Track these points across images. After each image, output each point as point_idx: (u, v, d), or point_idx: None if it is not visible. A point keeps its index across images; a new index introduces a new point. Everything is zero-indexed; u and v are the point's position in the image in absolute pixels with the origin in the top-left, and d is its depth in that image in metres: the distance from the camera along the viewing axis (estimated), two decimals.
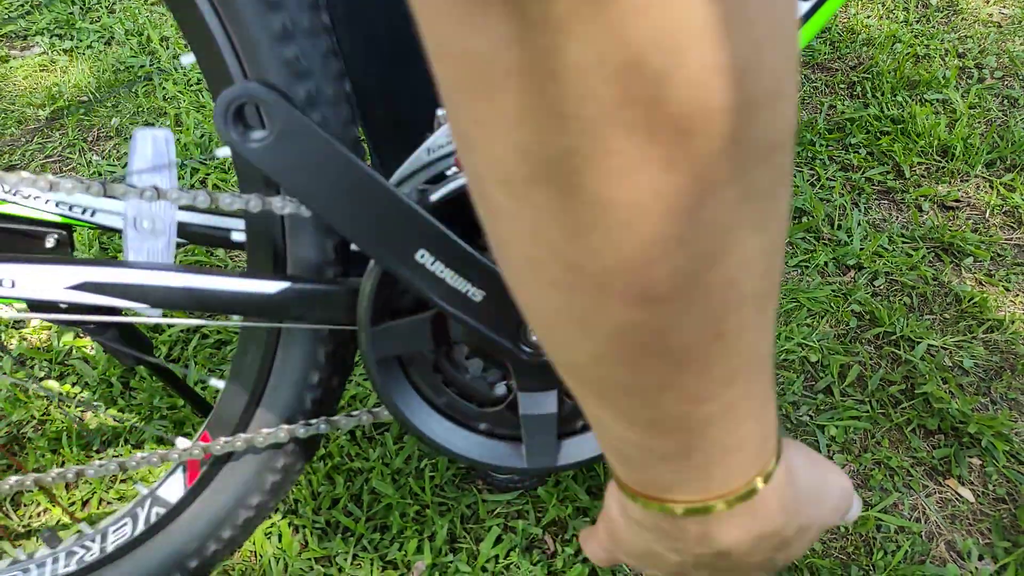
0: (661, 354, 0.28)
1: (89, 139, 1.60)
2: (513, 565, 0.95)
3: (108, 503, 1.02)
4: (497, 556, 0.96)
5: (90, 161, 1.53)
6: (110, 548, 0.71)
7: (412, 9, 0.23)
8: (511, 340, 0.57)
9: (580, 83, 0.21)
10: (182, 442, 0.68)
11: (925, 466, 1.06)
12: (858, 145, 1.56)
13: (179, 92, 1.68)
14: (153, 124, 1.61)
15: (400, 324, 0.59)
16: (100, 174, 1.50)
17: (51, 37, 1.85)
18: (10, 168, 1.53)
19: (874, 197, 1.46)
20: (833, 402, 1.13)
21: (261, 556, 0.96)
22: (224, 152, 0.58)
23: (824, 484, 0.40)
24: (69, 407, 1.12)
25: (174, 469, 0.70)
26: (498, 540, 0.97)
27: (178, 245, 0.67)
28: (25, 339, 1.21)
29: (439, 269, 0.54)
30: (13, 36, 1.87)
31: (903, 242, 1.37)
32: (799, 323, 1.23)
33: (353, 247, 0.61)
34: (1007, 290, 1.29)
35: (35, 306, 0.62)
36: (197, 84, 1.71)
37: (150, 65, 1.76)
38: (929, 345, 1.20)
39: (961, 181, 1.48)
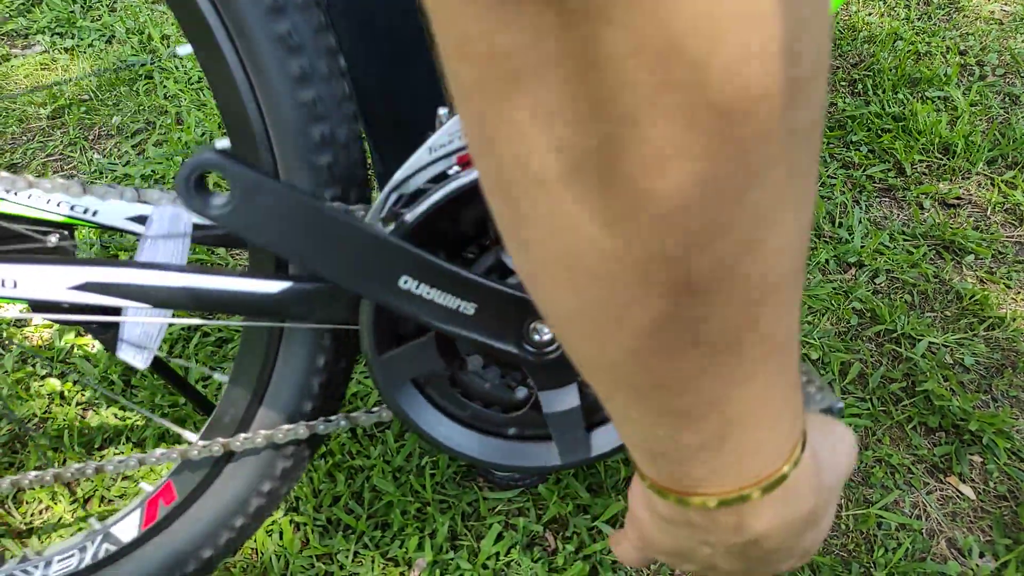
0: (697, 344, 0.27)
1: (90, 137, 1.60)
2: (514, 562, 0.95)
3: (110, 500, 1.02)
4: (498, 553, 0.96)
5: (91, 159, 1.53)
6: None
7: (425, 7, 0.23)
8: (515, 344, 0.57)
9: (620, 71, 0.21)
10: (146, 486, 0.69)
11: (926, 463, 1.07)
12: (859, 143, 1.55)
13: (180, 90, 1.68)
14: (154, 123, 1.61)
15: (406, 349, 0.60)
16: (101, 172, 1.51)
17: (52, 35, 1.85)
18: (11, 167, 1.53)
19: (875, 195, 1.46)
20: None
21: (262, 553, 0.96)
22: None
23: (835, 446, 0.40)
24: (70, 405, 1.12)
25: (133, 508, 0.70)
26: (499, 537, 0.98)
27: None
28: (27, 337, 1.21)
29: (425, 291, 0.54)
30: (14, 34, 1.87)
31: (904, 240, 1.37)
32: (800, 321, 1.23)
33: None
34: (1008, 288, 1.29)
35: (37, 306, 0.62)
36: (198, 82, 1.71)
37: (151, 63, 1.76)
38: (930, 343, 1.20)
39: (962, 179, 1.48)
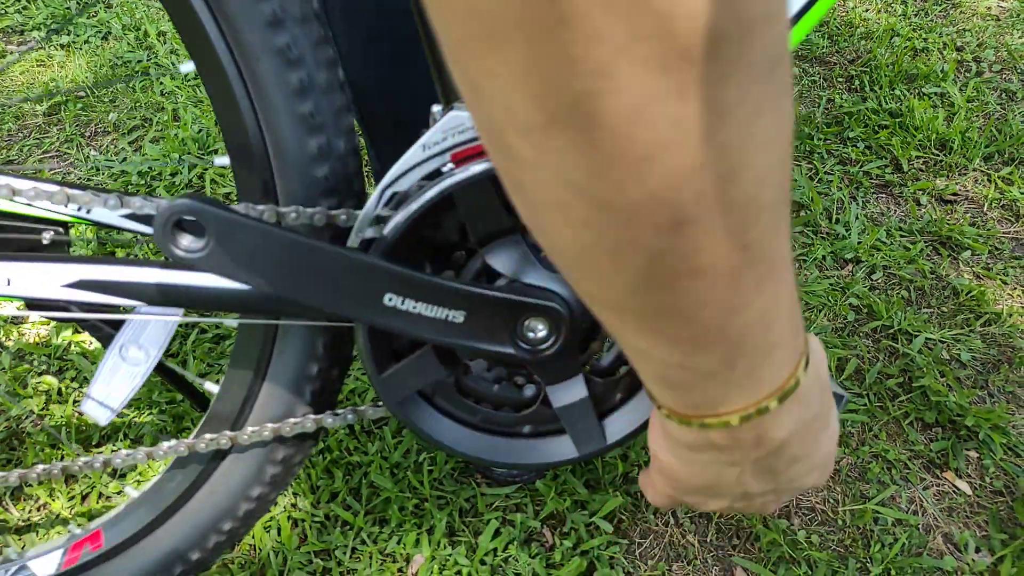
0: (693, 274, 0.29)
1: (87, 134, 1.60)
2: (511, 558, 0.96)
3: (108, 497, 1.02)
4: (495, 549, 0.96)
5: (87, 156, 1.53)
6: None
7: None
8: (510, 345, 0.57)
9: (589, 25, 0.22)
10: (74, 528, 0.71)
11: (923, 459, 1.07)
12: (856, 139, 1.55)
13: (176, 87, 1.68)
14: (151, 120, 1.61)
15: (406, 364, 0.60)
16: (98, 169, 1.50)
17: (48, 32, 1.85)
18: (7, 164, 1.53)
19: (872, 191, 1.46)
20: None
21: (260, 549, 0.96)
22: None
23: (815, 348, 0.42)
24: (67, 402, 1.12)
25: (57, 547, 0.71)
26: (496, 533, 0.98)
27: None
28: (23, 334, 1.21)
29: (410, 306, 0.54)
30: (10, 31, 1.87)
31: (901, 236, 1.37)
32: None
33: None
34: (1005, 283, 1.29)
35: (32, 304, 0.62)
36: (195, 79, 1.70)
37: (147, 60, 1.76)
38: (927, 338, 1.20)
39: (959, 175, 1.48)
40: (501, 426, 0.66)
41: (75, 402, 1.12)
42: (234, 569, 0.95)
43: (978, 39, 1.80)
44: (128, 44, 1.81)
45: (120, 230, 0.67)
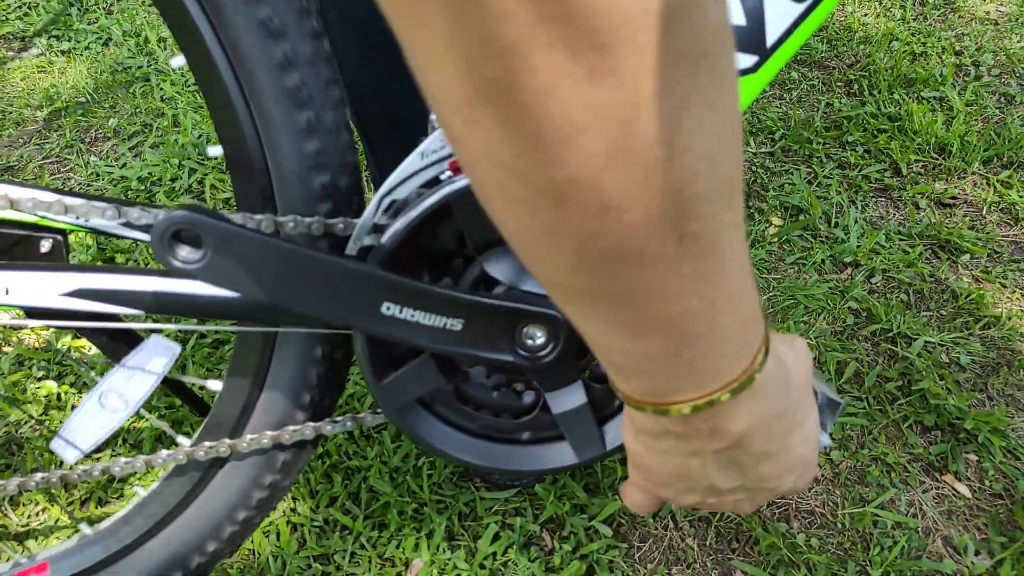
0: (626, 259, 0.29)
1: (87, 140, 1.60)
2: (511, 562, 0.96)
3: (106, 503, 1.02)
4: (495, 553, 0.97)
5: (88, 162, 1.54)
6: None
7: None
8: (509, 352, 0.57)
9: (500, 4, 0.22)
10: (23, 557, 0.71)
11: (922, 462, 1.07)
12: (855, 143, 1.56)
13: (177, 93, 1.68)
14: (151, 125, 1.61)
15: (405, 372, 0.60)
16: (98, 175, 1.51)
17: (49, 38, 1.85)
18: (7, 170, 1.53)
19: (871, 194, 1.46)
20: None
21: (259, 554, 0.96)
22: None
23: (795, 349, 0.42)
24: (67, 408, 1.12)
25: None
26: (496, 537, 0.98)
27: None
28: (23, 340, 1.21)
29: (409, 314, 0.55)
30: (11, 37, 1.87)
31: (900, 239, 1.37)
32: (796, 320, 1.23)
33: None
34: (1004, 287, 1.29)
35: (31, 312, 0.62)
36: (195, 85, 1.71)
37: (148, 66, 1.76)
38: (926, 342, 1.20)
39: (958, 178, 1.49)
40: (501, 433, 0.66)
41: (74, 407, 1.12)
42: (233, 574, 0.95)
43: (977, 43, 1.80)
44: (128, 50, 1.81)
45: (119, 237, 0.67)
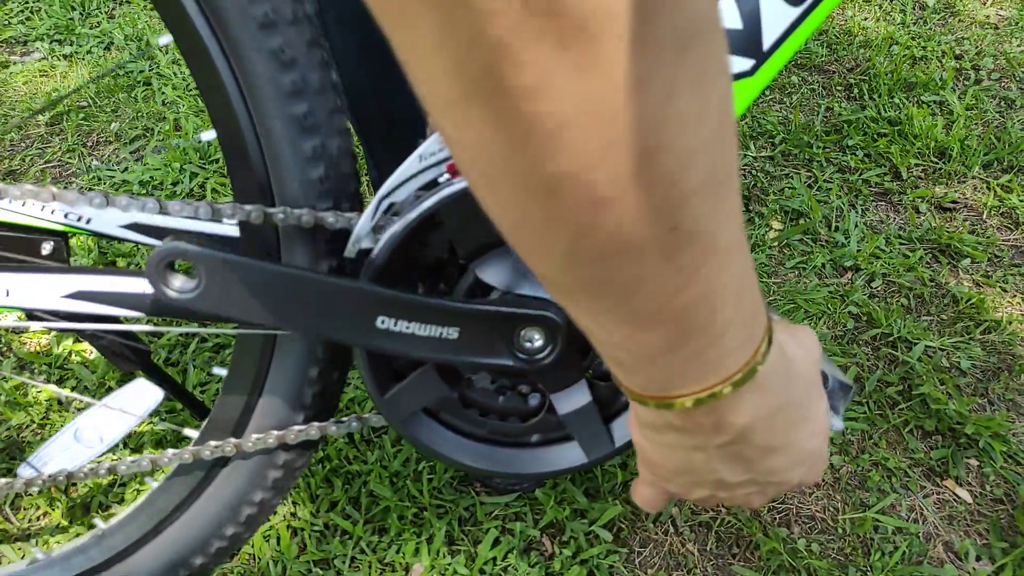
0: (620, 252, 0.29)
1: (88, 144, 1.60)
2: (511, 567, 0.96)
3: (107, 507, 1.02)
4: (495, 558, 0.96)
5: (90, 166, 1.54)
6: None
7: None
8: (508, 356, 0.57)
9: (485, 3, 0.22)
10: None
11: (923, 467, 1.07)
12: (855, 147, 1.56)
13: (178, 96, 1.69)
14: (153, 129, 1.62)
15: (408, 383, 0.61)
16: (99, 179, 1.51)
17: (51, 42, 1.86)
18: (9, 174, 1.53)
19: (871, 199, 1.46)
20: None
21: (259, 559, 0.96)
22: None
23: (801, 340, 0.42)
24: (68, 411, 1.12)
25: None
26: (496, 542, 0.98)
27: None
28: (24, 343, 1.21)
29: (404, 327, 0.55)
30: (13, 41, 1.88)
31: (900, 243, 1.37)
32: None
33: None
34: (1004, 291, 1.29)
35: (32, 314, 0.62)
36: (196, 88, 1.71)
37: (149, 70, 1.77)
38: (926, 346, 1.20)
39: (958, 182, 1.49)
40: (509, 437, 0.66)
41: (76, 411, 1.12)
42: None
43: (977, 47, 1.80)
44: (130, 54, 1.81)
45: (120, 240, 0.67)
